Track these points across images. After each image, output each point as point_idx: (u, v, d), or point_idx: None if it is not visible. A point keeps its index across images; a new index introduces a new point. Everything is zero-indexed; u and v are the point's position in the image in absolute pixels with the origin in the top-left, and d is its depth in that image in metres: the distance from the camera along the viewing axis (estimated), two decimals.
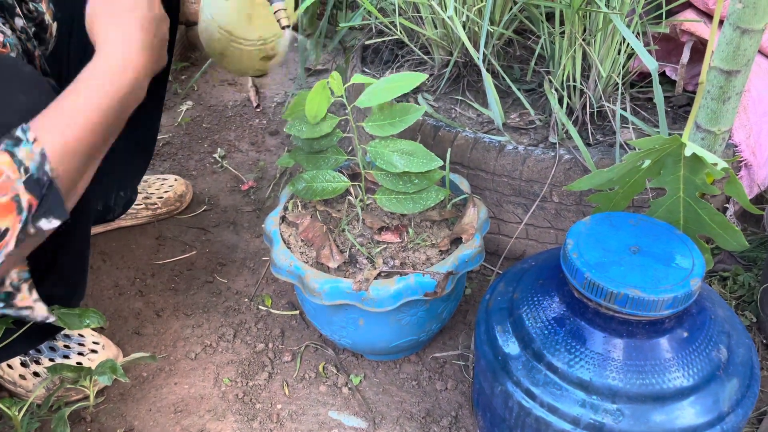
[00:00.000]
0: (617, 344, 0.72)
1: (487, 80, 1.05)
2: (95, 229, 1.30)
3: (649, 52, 1.03)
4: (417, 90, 1.26)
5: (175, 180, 1.39)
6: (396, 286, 0.86)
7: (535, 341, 0.76)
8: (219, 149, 1.56)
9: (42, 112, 0.65)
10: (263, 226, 1.00)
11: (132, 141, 1.18)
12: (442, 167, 0.91)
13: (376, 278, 0.87)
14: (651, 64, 0.94)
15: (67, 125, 0.66)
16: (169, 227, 1.34)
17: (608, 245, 0.73)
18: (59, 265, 0.82)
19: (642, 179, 0.77)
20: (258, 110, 1.72)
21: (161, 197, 1.35)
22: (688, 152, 0.68)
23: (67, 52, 1.02)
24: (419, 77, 0.87)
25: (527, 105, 1.18)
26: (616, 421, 0.69)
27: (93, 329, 1.02)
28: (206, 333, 1.10)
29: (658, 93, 0.95)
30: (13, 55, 0.76)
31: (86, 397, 0.95)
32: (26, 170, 0.61)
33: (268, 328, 1.10)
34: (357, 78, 0.89)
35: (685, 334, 0.72)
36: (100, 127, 0.69)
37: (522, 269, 0.87)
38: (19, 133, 0.62)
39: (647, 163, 0.72)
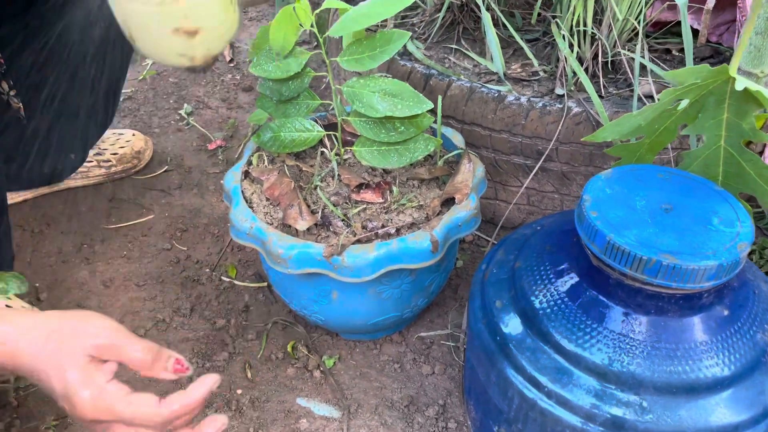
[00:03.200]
0: (642, 322, 0.59)
1: (487, 21, 0.91)
2: (40, 191, 1.15)
3: None
4: None
5: (133, 135, 1.24)
6: (375, 253, 0.72)
7: (541, 318, 0.63)
8: (186, 105, 1.41)
9: None
10: (222, 182, 0.85)
11: (91, 98, 1.04)
12: (433, 112, 0.77)
13: (352, 244, 0.73)
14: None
15: None
16: (125, 188, 1.19)
17: (634, 203, 0.60)
18: None
19: (674, 125, 0.64)
20: (231, 65, 1.56)
21: (116, 153, 1.20)
22: (739, 86, 0.54)
23: None
24: (404, 1, 0.72)
25: (530, 55, 1.03)
26: (638, 417, 0.57)
27: (21, 298, 0.88)
28: (159, 307, 0.96)
29: (686, 30, 0.81)
30: None
31: (7, 380, 0.82)
32: None
33: (231, 302, 0.96)
34: (330, 3, 0.74)
35: (726, 312, 0.59)
36: None
37: (525, 235, 0.74)
38: None
39: (684, 103, 0.59)
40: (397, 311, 0.83)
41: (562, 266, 0.64)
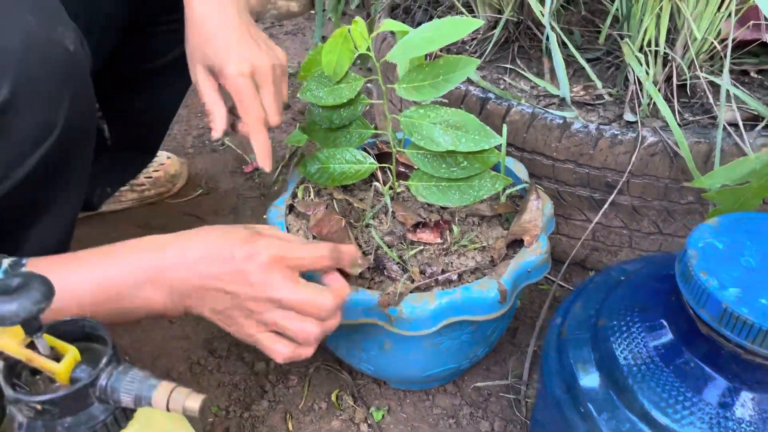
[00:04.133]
0: (752, 400, 0.51)
1: (554, 42, 0.83)
2: None
3: None
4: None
5: (168, 158, 1.19)
6: (436, 303, 0.64)
7: (630, 386, 0.55)
8: None
9: (48, 260, 0.54)
10: (265, 216, 0.79)
11: (137, 135, 1.01)
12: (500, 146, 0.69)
13: (411, 292, 0.65)
14: None
15: (61, 301, 0.50)
16: (158, 214, 1.13)
17: (749, 261, 0.51)
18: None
19: None
20: None
21: (150, 177, 1.15)
22: None
23: None
24: (472, 23, 0.65)
25: (594, 76, 0.95)
26: None
27: None
28: (193, 347, 0.89)
29: None
30: None
31: None
32: None
33: None
34: (388, 24, 0.67)
35: None
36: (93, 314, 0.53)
37: (605, 285, 0.65)
38: (8, 262, 0.52)
39: None
40: (455, 362, 0.75)
41: (658, 330, 0.56)
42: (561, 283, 0.96)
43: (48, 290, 0.43)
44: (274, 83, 0.70)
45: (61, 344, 0.47)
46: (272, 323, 0.57)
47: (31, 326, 0.43)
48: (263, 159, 0.71)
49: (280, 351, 0.58)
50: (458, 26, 0.64)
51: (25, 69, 0.54)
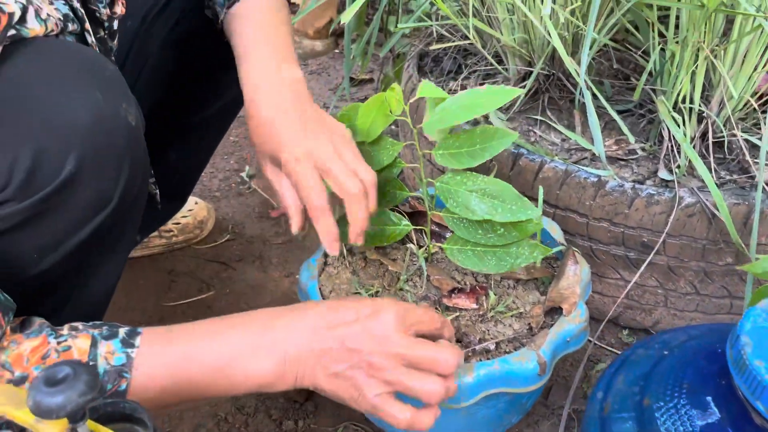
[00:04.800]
0: None
1: (588, 100, 0.83)
2: None
3: None
4: None
5: (196, 203, 1.19)
6: (474, 375, 0.63)
7: None
8: (247, 167, 1.36)
9: (166, 335, 0.55)
10: (298, 277, 0.78)
11: (169, 184, 1.02)
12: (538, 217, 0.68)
13: None
14: None
15: (175, 375, 0.54)
16: (185, 259, 1.13)
17: None
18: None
19: None
20: None
21: (178, 223, 1.15)
22: None
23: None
24: (511, 92, 0.65)
25: (626, 130, 0.94)
26: None
27: None
28: (221, 402, 0.88)
29: None
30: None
31: None
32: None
33: (299, 395, 0.88)
34: (425, 90, 0.67)
35: None
36: (202, 393, 0.55)
37: (647, 359, 0.64)
38: (123, 331, 0.53)
39: None
40: (489, 429, 0.73)
41: (707, 416, 0.54)
42: (595, 341, 0.94)
43: (93, 380, 0.42)
44: (339, 160, 0.67)
45: (101, 429, 0.46)
46: (396, 382, 0.56)
47: (76, 416, 0.43)
48: (329, 244, 0.68)
49: (402, 417, 0.56)
50: (496, 96, 0.64)
51: (92, 144, 0.54)
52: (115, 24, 0.69)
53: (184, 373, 0.53)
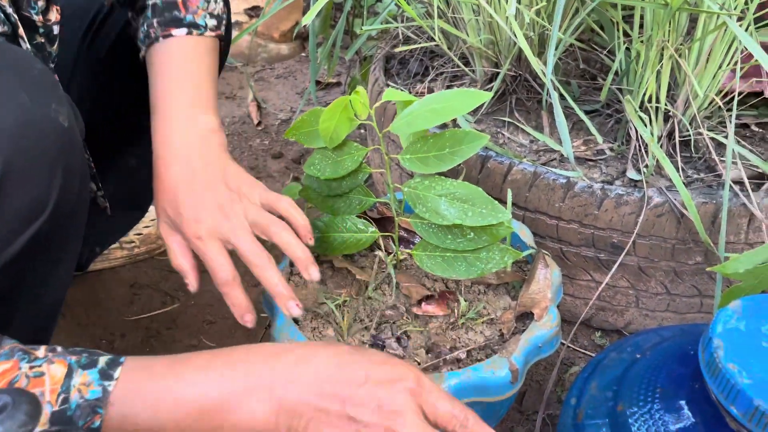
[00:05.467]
0: None
1: (555, 101, 0.82)
2: None
3: None
4: None
5: None
6: (446, 385, 0.61)
7: None
8: None
9: (148, 368, 0.49)
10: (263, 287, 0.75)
11: (130, 192, 0.98)
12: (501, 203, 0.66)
13: None
14: None
15: (155, 415, 0.48)
16: (148, 271, 1.10)
17: None
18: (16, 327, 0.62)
19: None
20: (259, 128, 1.48)
21: (140, 234, 1.11)
22: None
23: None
24: (481, 96, 0.63)
25: (594, 131, 0.94)
26: None
27: None
28: None
29: None
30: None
31: None
32: (65, 400, 0.45)
33: None
34: (390, 94, 0.65)
35: None
36: None
37: (621, 363, 0.63)
38: (104, 360, 0.48)
39: None
40: None
41: (681, 421, 0.53)
42: (568, 344, 0.93)
43: (35, 410, 0.39)
44: (244, 232, 0.65)
45: None
46: None
47: None
48: (240, 317, 0.65)
49: None
50: (467, 98, 0.62)
51: (18, 147, 0.51)
52: (55, 29, 0.66)
53: (165, 414, 0.48)
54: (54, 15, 0.67)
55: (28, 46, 0.63)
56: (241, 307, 0.64)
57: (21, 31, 0.61)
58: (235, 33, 1.74)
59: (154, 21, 0.72)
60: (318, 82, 1.64)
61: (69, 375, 0.46)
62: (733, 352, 0.49)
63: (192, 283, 0.67)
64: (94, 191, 0.77)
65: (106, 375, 0.47)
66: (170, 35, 0.72)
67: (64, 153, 0.55)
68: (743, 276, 0.57)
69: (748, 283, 0.57)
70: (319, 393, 0.48)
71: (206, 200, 0.64)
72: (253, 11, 1.77)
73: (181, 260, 0.67)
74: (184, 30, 0.72)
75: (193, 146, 0.66)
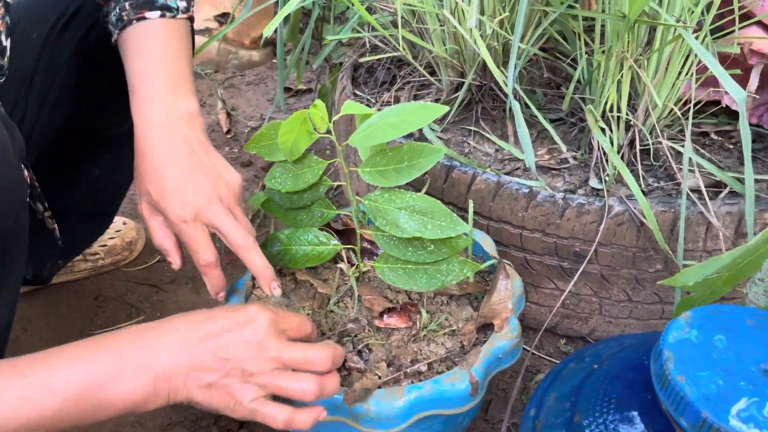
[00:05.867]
0: None
1: (517, 111, 0.83)
2: None
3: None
4: None
5: (124, 223, 1.14)
6: (406, 399, 0.61)
7: None
8: None
9: (20, 365, 0.51)
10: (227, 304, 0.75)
11: (94, 203, 0.97)
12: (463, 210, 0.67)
13: (378, 387, 0.62)
14: (738, 94, 0.71)
15: (32, 409, 0.50)
16: (113, 283, 1.08)
17: (726, 361, 0.50)
18: None
19: (760, 260, 0.54)
20: (229, 136, 1.48)
21: (105, 245, 1.10)
22: None
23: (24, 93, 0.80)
24: (437, 110, 0.63)
25: (558, 139, 0.95)
26: None
27: None
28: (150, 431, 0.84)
29: (746, 134, 0.73)
30: None
31: None
32: None
33: (233, 424, 0.85)
34: (348, 107, 0.65)
35: None
36: (66, 423, 0.52)
37: (579, 372, 0.64)
38: None
39: None
40: None
41: (636, 426, 0.54)
42: (533, 351, 0.94)
43: None
44: (227, 216, 0.67)
45: None
46: (270, 384, 0.56)
47: None
48: (216, 294, 0.70)
49: (280, 416, 0.56)
50: (424, 112, 0.62)
51: None
52: (4, 40, 0.65)
53: (44, 405, 0.50)
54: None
55: None
56: (218, 285, 0.69)
57: None
58: (204, 39, 1.73)
59: (126, 4, 0.72)
60: (288, 89, 1.63)
61: None
62: (683, 363, 0.50)
63: (176, 260, 0.69)
64: (41, 212, 0.76)
65: None
66: (144, 18, 0.72)
67: None
68: (694, 287, 0.58)
69: (700, 293, 0.58)
70: (187, 353, 0.54)
71: (191, 183, 0.66)
72: (223, 18, 1.75)
73: (165, 240, 0.68)
74: (158, 12, 0.72)
75: (177, 129, 0.67)
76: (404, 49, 1.00)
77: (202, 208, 0.65)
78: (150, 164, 0.66)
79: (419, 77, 1.09)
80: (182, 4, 0.74)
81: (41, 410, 0.50)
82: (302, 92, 1.66)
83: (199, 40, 1.59)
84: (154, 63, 0.70)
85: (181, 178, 0.66)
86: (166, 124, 0.67)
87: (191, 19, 0.76)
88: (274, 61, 1.85)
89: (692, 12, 0.83)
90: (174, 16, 0.73)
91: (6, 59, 0.66)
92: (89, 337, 0.56)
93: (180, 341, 0.54)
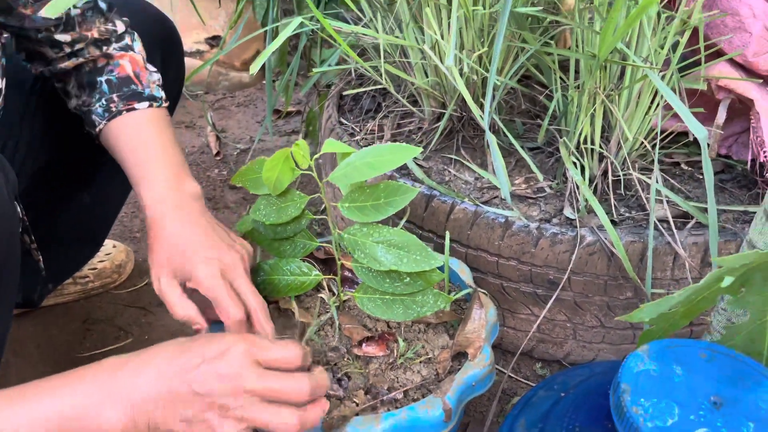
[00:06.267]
0: None
1: (493, 144, 0.86)
2: None
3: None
4: None
5: (114, 246, 1.16)
6: (382, 426, 0.64)
7: None
8: None
9: (3, 394, 0.52)
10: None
11: (84, 228, 0.99)
12: (442, 267, 0.70)
13: (355, 414, 0.65)
14: (699, 132, 0.75)
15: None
16: (102, 305, 1.10)
17: (678, 394, 0.53)
18: None
19: (714, 296, 0.58)
20: (218, 158, 1.50)
21: (94, 268, 1.12)
22: None
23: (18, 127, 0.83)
24: (412, 151, 0.67)
25: (535, 169, 0.98)
26: None
27: None
28: None
29: (707, 169, 0.77)
30: None
31: None
32: None
33: None
34: (329, 145, 0.68)
35: None
36: None
37: (547, 400, 0.67)
38: None
39: (729, 281, 0.53)
40: None
41: None
42: (510, 374, 0.97)
43: None
44: (245, 276, 0.70)
45: None
46: (250, 418, 0.55)
47: None
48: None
49: None
50: (400, 153, 0.66)
51: None
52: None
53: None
54: None
55: None
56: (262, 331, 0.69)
57: None
58: (197, 62, 1.76)
59: (114, 96, 0.78)
60: (278, 111, 1.67)
61: None
62: (639, 395, 0.53)
63: (203, 324, 0.70)
64: (28, 243, 0.78)
65: None
66: (133, 108, 0.77)
67: None
68: (652, 322, 0.61)
69: (659, 327, 0.62)
70: (165, 385, 0.54)
71: (210, 244, 0.70)
72: (214, 41, 1.79)
73: (189, 309, 0.69)
74: (146, 103, 0.78)
75: (187, 205, 0.72)
76: (387, 81, 1.04)
77: (227, 267, 0.69)
78: (168, 235, 0.70)
79: (402, 107, 1.13)
80: (162, 94, 0.81)
81: None
82: (290, 114, 1.69)
83: (191, 62, 1.62)
84: (154, 151, 0.75)
85: (201, 241, 0.69)
86: (178, 200, 0.71)
87: (168, 106, 0.83)
88: (264, 82, 1.89)
89: (659, 53, 0.87)
90: (159, 106, 0.79)
91: (1, 98, 0.69)
92: (69, 371, 0.56)
93: (157, 374, 0.55)
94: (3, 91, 0.69)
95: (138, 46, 0.82)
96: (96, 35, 0.79)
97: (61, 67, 0.79)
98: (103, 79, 0.79)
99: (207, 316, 0.70)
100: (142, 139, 0.76)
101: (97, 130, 0.79)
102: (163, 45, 0.92)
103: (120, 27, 0.81)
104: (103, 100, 0.78)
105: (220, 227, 0.73)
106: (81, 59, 0.79)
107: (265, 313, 0.69)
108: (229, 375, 0.55)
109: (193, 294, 0.70)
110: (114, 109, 0.77)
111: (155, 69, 0.83)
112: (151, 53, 0.86)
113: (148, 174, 0.73)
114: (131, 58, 0.81)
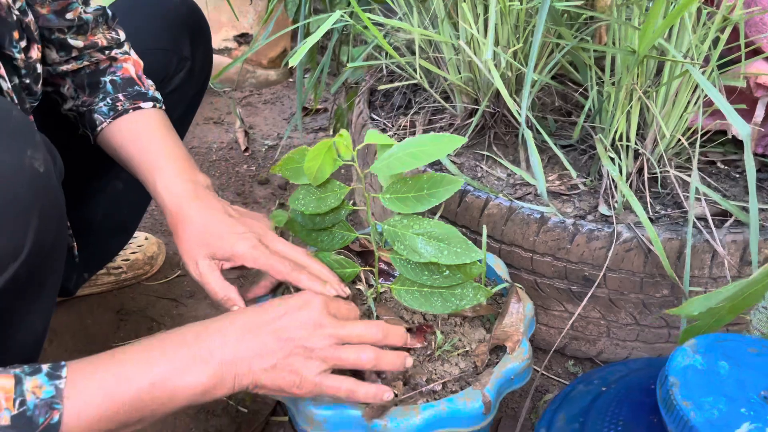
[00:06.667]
0: None
1: (530, 140, 0.86)
2: None
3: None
4: None
5: (146, 239, 1.18)
6: (421, 417, 0.64)
7: None
8: None
9: (92, 362, 0.55)
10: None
11: (117, 217, 1.01)
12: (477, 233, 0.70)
13: (395, 405, 0.65)
14: (743, 129, 0.74)
15: (109, 398, 0.53)
16: (135, 296, 1.12)
17: (729, 389, 0.53)
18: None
19: (762, 292, 0.57)
20: (246, 154, 1.52)
21: (127, 260, 1.13)
22: None
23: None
24: (456, 141, 0.67)
25: (568, 166, 0.98)
26: None
27: None
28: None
29: (750, 166, 0.76)
30: None
31: None
32: (22, 403, 0.50)
33: None
34: (371, 137, 0.69)
35: None
36: (140, 414, 0.55)
37: (587, 395, 0.66)
38: (47, 367, 0.52)
39: None
40: None
41: None
42: (543, 372, 0.96)
43: None
44: (279, 239, 0.75)
45: None
46: (333, 357, 0.61)
47: None
48: (338, 289, 0.71)
49: (346, 387, 0.61)
50: (443, 143, 0.66)
51: None
52: (38, 67, 0.69)
53: (119, 395, 0.54)
54: (35, 53, 0.70)
55: (9, 86, 0.66)
56: (321, 274, 0.72)
57: (3, 71, 0.64)
58: (226, 60, 1.78)
59: (120, 95, 0.80)
60: (305, 108, 1.67)
61: (19, 383, 0.50)
62: (688, 389, 0.53)
63: (242, 305, 0.72)
64: (70, 242, 0.80)
65: (53, 376, 0.52)
66: (139, 107, 0.80)
67: (38, 198, 0.57)
68: (700, 315, 0.60)
69: (705, 321, 0.61)
70: (251, 338, 0.59)
71: (236, 223, 0.72)
72: (242, 38, 1.81)
73: (228, 290, 0.71)
74: (150, 103, 0.81)
75: (205, 194, 0.75)
76: (421, 77, 1.04)
77: (261, 237, 0.72)
78: (196, 222, 0.72)
79: (434, 103, 1.13)
80: (160, 96, 0.84)
81: (117, 400, 0.53)
82: (318, 111, 1.70)
83: (219, 59, 1.64)
84: (165, 146, 0.77)
85: (227, 221, 0.72)
86: (195, 190, 0.74)
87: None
88: (291, 80, 1.90)
89: (699, 48, 0.86)
90: (161, 107, 0.82)
91: (39, 86, 0.70)
92: (153, 337, 0.60)
93: (241, 330, 0.59)
94: (41, 78, 0.70)
95: (134, 53, 0.86)
96: (104, 43, 0.82)
97: (62, 69, 0.82)
98: (106, 79, 0.82)
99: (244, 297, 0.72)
100: (151, 136, 0.79)
101: (99, 129, 0.81)
102: (192, 28, 0.94)
103: (122, 35, 0.84)
104: (108, 99, 0.80)
105: (234, 207, 0.76)
106: (84, 62, 0.82)
107: (312, 260, 0.73)
108: (310, 322, 0.61)
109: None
110: (120, 107, 0.80)
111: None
112: (180, 35, 0.89)
113: (163, 168, 0.76)
114: (134, 62, 0.84)
